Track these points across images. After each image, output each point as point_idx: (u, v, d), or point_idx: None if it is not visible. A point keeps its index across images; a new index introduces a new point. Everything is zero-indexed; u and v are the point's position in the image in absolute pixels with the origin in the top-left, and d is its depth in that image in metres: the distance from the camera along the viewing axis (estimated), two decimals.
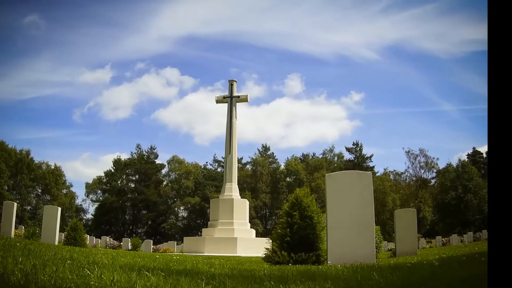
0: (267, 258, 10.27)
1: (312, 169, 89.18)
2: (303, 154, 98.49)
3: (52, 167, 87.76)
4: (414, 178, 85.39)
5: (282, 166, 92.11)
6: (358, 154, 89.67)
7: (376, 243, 10.85)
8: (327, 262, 9.13)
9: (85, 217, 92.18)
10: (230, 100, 30.49)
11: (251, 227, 29.99)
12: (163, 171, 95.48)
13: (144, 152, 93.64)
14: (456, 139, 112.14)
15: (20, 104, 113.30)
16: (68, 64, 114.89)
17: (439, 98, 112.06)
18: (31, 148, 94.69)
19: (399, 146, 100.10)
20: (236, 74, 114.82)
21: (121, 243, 37.16)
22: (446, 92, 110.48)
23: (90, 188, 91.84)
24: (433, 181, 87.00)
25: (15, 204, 20.08)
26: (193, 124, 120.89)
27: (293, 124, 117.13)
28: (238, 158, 42.18)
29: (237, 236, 25.95)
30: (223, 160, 57.22)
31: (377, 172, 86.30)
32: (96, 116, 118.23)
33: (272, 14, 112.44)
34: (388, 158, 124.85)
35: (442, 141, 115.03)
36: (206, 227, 29.77)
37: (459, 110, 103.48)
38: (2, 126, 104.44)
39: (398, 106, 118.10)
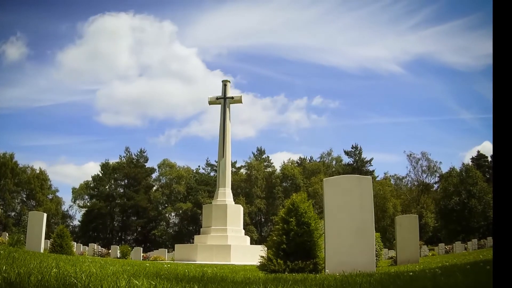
0: (262, 267, 10.26)
1: (309, 173, 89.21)
2: (300, 157, 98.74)
3: (37, 171, 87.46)
4: (415, 183, 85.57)
5: (278, 170, 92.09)
6: (357, 158, 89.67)
7: (376, 250, 10.85)
8: (325, 271, 9.14)
9: (71, 224, 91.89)
10: (224, 101, 30.41)
11: (245, 234, 29.93)
12: (154, 175, 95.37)
13: (133, 156, 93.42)
14: (472, 145, 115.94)
15: (32, 111, 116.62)
16: (96, 72, 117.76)
17: (459, 107, 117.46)
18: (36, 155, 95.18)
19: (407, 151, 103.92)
20: (253, 85, 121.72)
21: (110, 251, 37.04)
22: (466, 102, 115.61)
23: (77, 193, 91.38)
24: (435, 185, 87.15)
25: None
26: (189, 126, 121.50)
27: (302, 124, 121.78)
28: (232, 161, 42.17)
29: (230, 243, 25.88)
30: (216, 164, 57.11)
31: (377, 176, 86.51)
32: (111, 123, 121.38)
33: (305, 29, 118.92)
34: (396, 164, 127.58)
35: (458, 148, 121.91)
36: (198, 234, 29.68)
37: (479, 119, 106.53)
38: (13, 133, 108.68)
39: (414, 115, 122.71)
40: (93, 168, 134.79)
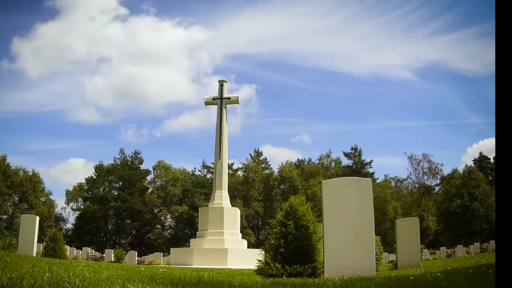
0: (260, 271, 10.26)
1: (308, 175, 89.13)
2: (298, 159, 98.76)
3: (30, 174, 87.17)
4: (416, 185, 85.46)
5: (276, 172, 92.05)
6: (357, 160, 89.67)
7: (376, 254, 10.86)
8: (323, 275, 9.13)
9: (65, 227, 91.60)
10: (220, 101, 30.46)
11: (242, 238, 30.03)
12: (149, 177, 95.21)
13: (128, 157, 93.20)
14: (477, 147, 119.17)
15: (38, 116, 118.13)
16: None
17: (466, 111, 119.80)
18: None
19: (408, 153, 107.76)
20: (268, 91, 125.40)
21: (104, 255, 37.03)
22: (474, 106, 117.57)
23: (71, 196, 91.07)
24: (437, 188, 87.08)
25: None
26: (186, 127, 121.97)
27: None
28: (228, 163, 42.18)
29: (227, 247, 25.90)
30: (212, 166, 57.19)
31: (377, 178, 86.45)
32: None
33: (322, 37, 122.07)
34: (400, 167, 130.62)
35: (463, 150, 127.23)
36: (195, 237, 29.71)
37: (487, 123, 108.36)
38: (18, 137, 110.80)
39: (418, 119, 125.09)
40: (86, 170, 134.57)
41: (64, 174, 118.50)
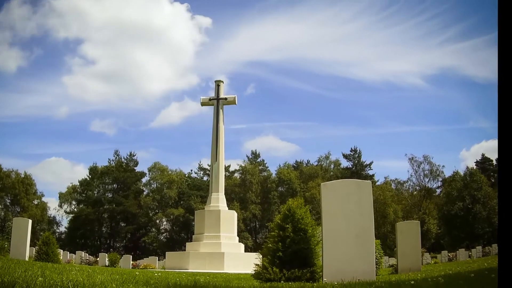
0: (257, 275, 10.24)
1: (306, 177, 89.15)
2: (296, 161, 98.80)
3: (22, 176, 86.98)
4: (417, 188, 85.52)
5: (274, 175, 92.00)
6: (356, 162, 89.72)
7: (376, 258, 10.85)
8: (322, 280, 9.12)
9: (58, 230, 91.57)
10: (217, 102, 30.34)
11: (239, 241, 29.89)
12: (144, 179, 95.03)
13: (122, 159, 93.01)
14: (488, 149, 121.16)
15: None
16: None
17: (477, 116, 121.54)
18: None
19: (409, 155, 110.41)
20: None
21: (98, 259, 37.02)
22: (485, 111, 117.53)
23: (64, 198, 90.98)
24: (438, 190, 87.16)
25: None
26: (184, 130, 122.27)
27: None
28: (225, 165, 42.09)
29: (224, 251, 25.83)
30: (209, 168, 57.14)
31: (377, 181, 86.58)
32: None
33: (339, 44, 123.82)
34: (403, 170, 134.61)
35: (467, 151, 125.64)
36: (191, 241, 29.66)
37: (493, 127, 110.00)
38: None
39: (422, 123, 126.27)
40: (81, 172, 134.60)
41: (53, 175, 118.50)
